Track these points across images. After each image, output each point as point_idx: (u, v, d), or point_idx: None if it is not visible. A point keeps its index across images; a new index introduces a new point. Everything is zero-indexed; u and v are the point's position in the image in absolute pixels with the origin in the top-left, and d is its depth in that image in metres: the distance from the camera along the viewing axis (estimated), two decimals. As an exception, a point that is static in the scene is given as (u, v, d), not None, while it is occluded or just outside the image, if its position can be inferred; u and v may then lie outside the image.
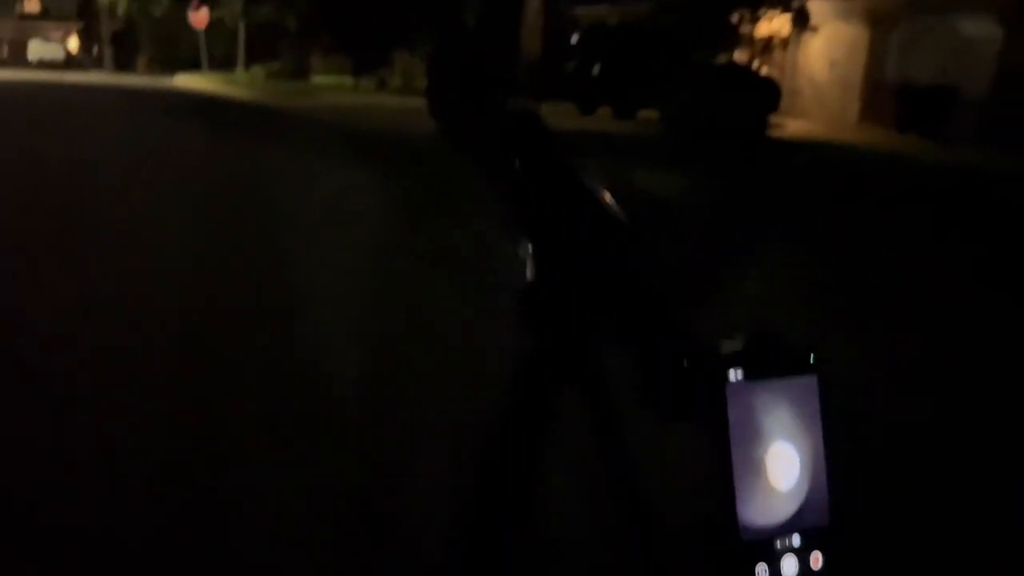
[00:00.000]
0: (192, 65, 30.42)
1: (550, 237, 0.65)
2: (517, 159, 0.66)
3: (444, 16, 0.71)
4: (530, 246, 0.66)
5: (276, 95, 21.90)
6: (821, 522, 0.56)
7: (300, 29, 29.26)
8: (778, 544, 0.55)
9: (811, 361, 0.56)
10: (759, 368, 0.54)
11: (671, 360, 0.57)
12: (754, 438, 0.54)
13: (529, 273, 0.66)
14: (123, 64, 37.23)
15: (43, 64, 38.22)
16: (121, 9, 32.66)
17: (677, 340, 0.58)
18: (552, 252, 0.65)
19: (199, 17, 29.37)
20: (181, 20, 30.35)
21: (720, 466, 0.53)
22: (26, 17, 45.16)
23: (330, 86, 26.67)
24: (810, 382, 0.56)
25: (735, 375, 0.53)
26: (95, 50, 42.08)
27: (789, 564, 0.55)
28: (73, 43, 43.88)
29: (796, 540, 0.55)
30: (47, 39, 41.89)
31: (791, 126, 18.52)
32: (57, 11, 44.19)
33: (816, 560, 0.56)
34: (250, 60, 30.83)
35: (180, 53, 33.23)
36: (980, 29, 17.81)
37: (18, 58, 39.77)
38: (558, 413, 0.66)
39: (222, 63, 31.05)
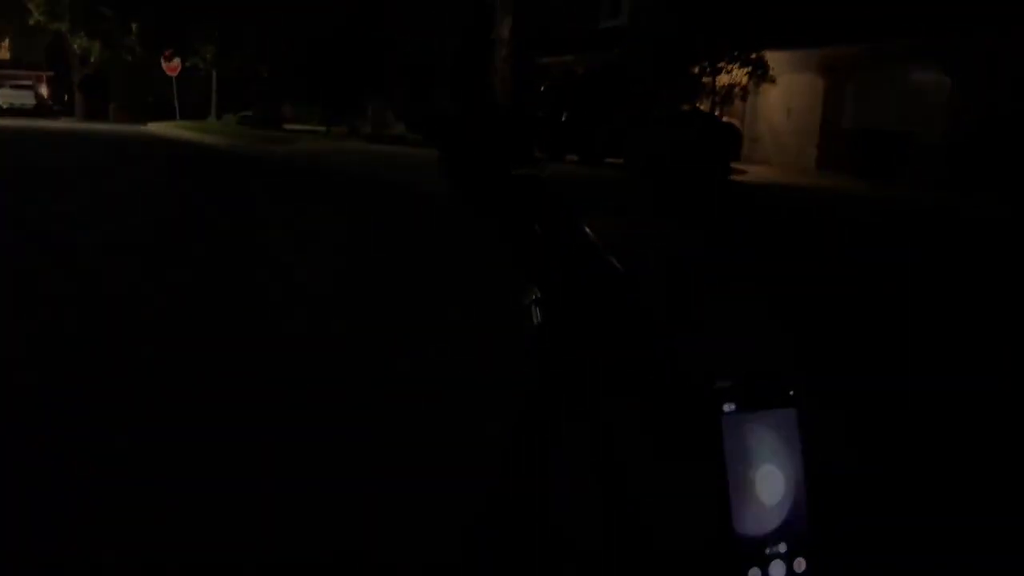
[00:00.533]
0: (164, 112, 30.55)
1: (559, 285, 0.74)
2: (528, 217, 0.75)
3: (467, 86, 0.88)
4: (538, 293, 0.74)
5: (250, 142, 22.13)
6: (803, 531, 0.63)
7: (272, 77, 29.67)
8: (767, 551, 0.62)
9: (791, 396, 0.64)
10: (748, 402, 0.62)
11: (673, 395, 0.65)
12: (745, 461, 0.61)
13: (536, 318, 0.74)
14: (93, 111, 37.08)
15: (13, 111, 38.24)
16: (93, 56, 32.77)
17: (678, 378, 0.66)
18: (561, 298, 0.73)
19: (172, 66, 29.74)
20: (153, 67, 30.53)
21: (717, 485, 0.60)
22: (-3, 64, 45.21)
23: (302, 133, 26.97)
24: (791, 413, 0.64)
25: (729, 408, 0.61)
26: (66, 97, 42.18)
27: (777, 568, 0.62)
28: (44, 90, 43.97)
29: (782, 547, 0.62)
30: (17, 86, 41.91)
31: (752, 172, 19.11)
32: (28, 59, 44.31)
33: (800, 564, 0.63)
34: (222, 108, 31.11)
35: (151, 100, 33.32)
36: (930, 78, 18.66)
37: (-11, 105, 39.72)
38: (561, 443, 0.73)
39: (194, 111, 31.23)
